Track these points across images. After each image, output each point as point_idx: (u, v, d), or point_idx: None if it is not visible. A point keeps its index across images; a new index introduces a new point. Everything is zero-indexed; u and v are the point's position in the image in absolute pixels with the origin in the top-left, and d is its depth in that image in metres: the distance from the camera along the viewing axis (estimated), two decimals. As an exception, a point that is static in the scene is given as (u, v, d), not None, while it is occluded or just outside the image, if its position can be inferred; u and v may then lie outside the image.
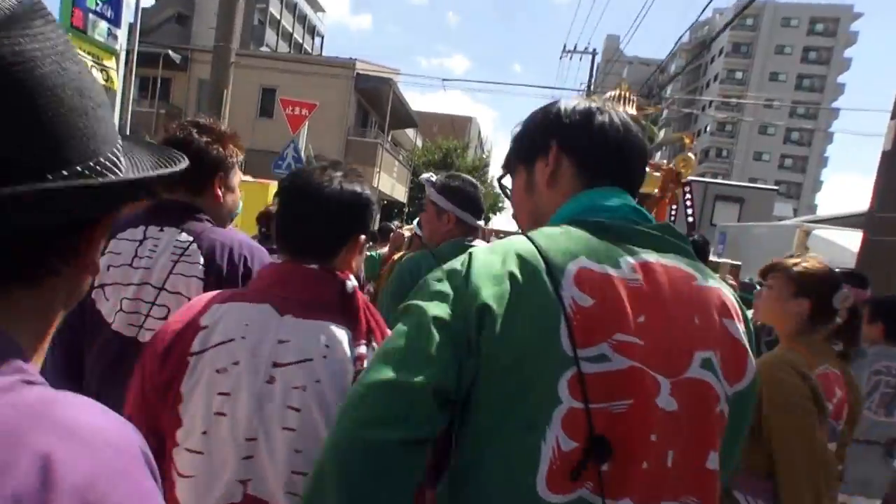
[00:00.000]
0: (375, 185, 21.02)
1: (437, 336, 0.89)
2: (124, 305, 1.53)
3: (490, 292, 0.90)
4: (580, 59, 23.84)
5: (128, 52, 8.41)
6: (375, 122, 24.67)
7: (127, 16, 8.49)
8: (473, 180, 2.35)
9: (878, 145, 5.11)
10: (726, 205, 27.89)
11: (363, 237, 1.30)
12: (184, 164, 0.64)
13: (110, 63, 8.13)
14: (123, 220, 1.62)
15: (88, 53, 7.88)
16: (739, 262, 8.41)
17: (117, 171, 0.55)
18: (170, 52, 20.34)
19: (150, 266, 1.54)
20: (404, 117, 25.51)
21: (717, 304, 0.99)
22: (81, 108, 0.51)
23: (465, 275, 0.93)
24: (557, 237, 0.97)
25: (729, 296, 1.03)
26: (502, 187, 1.29)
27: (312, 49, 51.58)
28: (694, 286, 0.98)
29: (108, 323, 1.54)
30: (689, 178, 7.71)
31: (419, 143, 37.21)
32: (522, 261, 0.93)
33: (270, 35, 42.57)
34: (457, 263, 0.97)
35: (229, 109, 20.30)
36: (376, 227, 23.18)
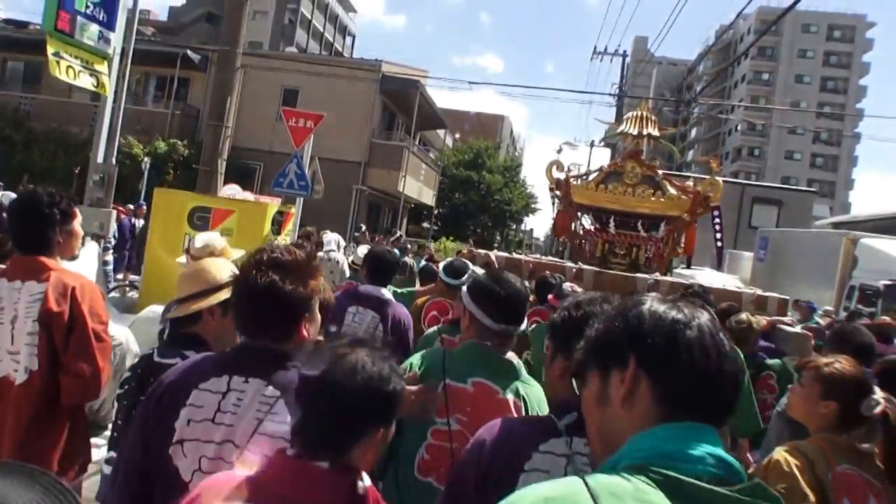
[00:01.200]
0: (401, 190, 19.93)
1: None
2: (203, 465, 1.41)
3: None
4: (611, 60, 22.48)
5: (122, 51, 7.48)
6: (402, 124, 23.58)
7: (123, 14, 7.58)
8: (513, 281, 2.03)
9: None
10: (764, 207, 26.41)
11: (384, 430, 1.27)
12: None
13: (102, 67, 7.21)
14: (207, 367, 1.52)
15: (76, 58, 6.94)
16: (787, 297, 7.22)
17: None
18: (188, 51, 19.51)
19: (233, 423, 1.42)
20: (432, 118, 24.34)
21: None
22: None
23: None
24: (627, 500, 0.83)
25: None
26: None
27: (343, 49, 50.74)
28: None
29: (185, 482, 1.41)
30: (725, 179, 7.07)
31: (449, 142, 36.09)
32: None
33: (301, 35, 41.81)
34: None
35: (249, 110, 19.40)
36: (401, 231, 21.78)
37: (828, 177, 65.01)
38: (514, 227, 36.33)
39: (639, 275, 6.54)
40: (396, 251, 11.71)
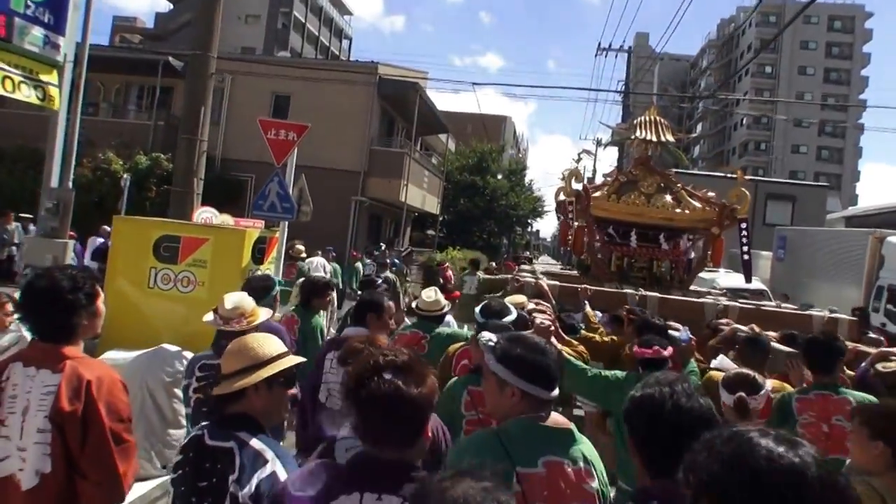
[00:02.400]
0: (403, 199, 18.79)
1: None
2: None
3: None
4: (615, 56, 21.46)
5: (75, 61, 6.44)
6: (402, 130, 22.45)
7: (75, 15, 6.53)
8: (541, 343, 1.97)
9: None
10: (778, 203, 25.72)
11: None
12: None
13: (49, 77, 6.14)
14: (332, 483, 1.49)
15: (15, 66, 5.87)
16: (853, 318, 6.50)
17: None
18: (170, 58, 18.41)
19: None
20: (433, 122, 23.18)
21: None
22: None
23: None
24: None
25: None
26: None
27: (339, 52, 49.65)
28: None
29: None
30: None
31: (451, 146, 35.00)
32: None
33: (295, 39, 40.72)
34: None
35: (238, 119, 18.25)
36: (406, 239, 20.75)
37: (834, 169, 64.40)
38: (521, 230, 35.21)
39: (706, 300, 6.17)
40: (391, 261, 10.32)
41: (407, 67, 20.07)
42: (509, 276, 10.22)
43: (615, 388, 3.20)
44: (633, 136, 7.50)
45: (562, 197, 7.66)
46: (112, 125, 18.27)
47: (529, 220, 32.32)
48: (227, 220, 6.62)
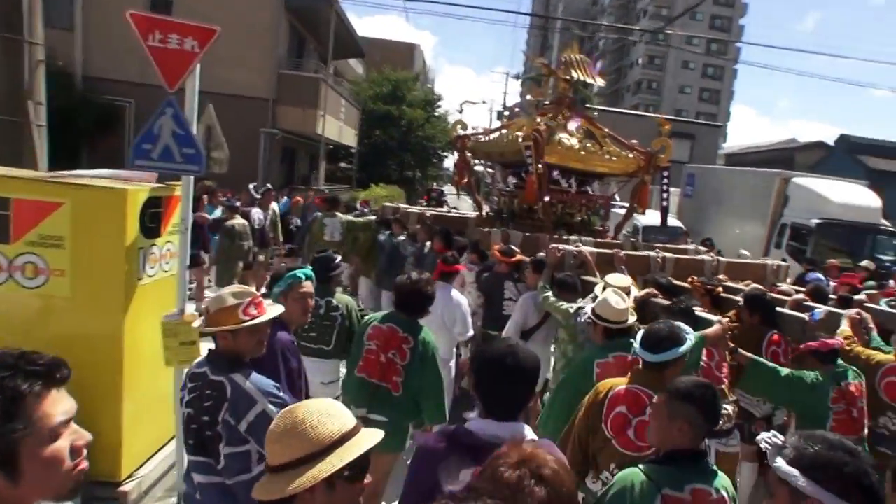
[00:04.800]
0: (320, 132, 16.14)
1: None
2: None
3: None
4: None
5: None
6: (314, 51, 19.34)
7: None
8: (850, 445, 1.43)
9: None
10: (679, 141, 26.57)
11: None
12: None
13: None
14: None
15: None
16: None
17: None
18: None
19: None
20: (350, 45, 20.16)
21: None
22: None
23: None
24: None
25: None
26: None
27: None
28: None
29: None
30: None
31: (361, 72, 31.79)
32: None
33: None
34: None
35: (103, 25, 13.95)
36: (322, 175, 18.04)
37: (712, 109, 67.45)
38: (437, 163, 33.21)
39: (705, 258, 6.15)
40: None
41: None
42: (373, 217, 8.75)
43: (809, 388, 3.29)
44: (562, 76, 7.15)
45: (459, 130, 7.42)
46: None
47: (446, 154, 30.23)
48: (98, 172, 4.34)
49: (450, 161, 33.71)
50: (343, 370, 3.95)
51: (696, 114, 61.42)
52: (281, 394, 2.26)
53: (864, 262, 9.48)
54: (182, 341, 3.45)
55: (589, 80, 7.47)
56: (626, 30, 57.86)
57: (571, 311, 4.11)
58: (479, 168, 9.89)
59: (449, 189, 30.30)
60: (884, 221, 13.16)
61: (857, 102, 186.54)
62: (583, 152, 6.75)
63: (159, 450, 4.09)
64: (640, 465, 1.98)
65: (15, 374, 1.00)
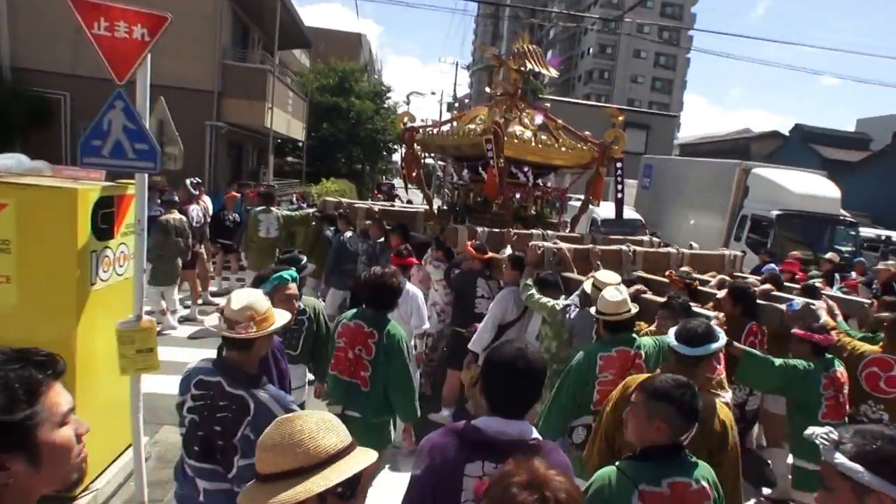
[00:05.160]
0: (268, 125, 15.79)
1: None
2: None
3: None
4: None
5: None
6: (259, 41, 18.88)
7: None
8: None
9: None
10: (634, 132, 27.03)
11: None
12: None
13: None
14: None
15: None
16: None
17: None
18: None
19: None
20: (295, 34, 19.76)
21: None
22: None
23: None
24: None
25: None
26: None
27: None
28: None
29: None
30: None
31: (306, 63, 31.22)
32: None
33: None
34: None
35: (32, 12, 13.50)
36: (271, 169, 17.62)
37: (664, 99, 68.47)
38: (388, 156, 32.95)
39: (671, 250, 6.31)
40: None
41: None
42: (311, 210, 8.71)
43: (803, 376, 3.64)
44: (514, 67, 7.08)
45: (407, 122, 7.29)
46: None
47: (396, 147, 30.03)
48: (38, 168, 4.16)
49: (399, 154, 33.52)
50: (310, 375, 4.05)
51: (649, 103, 62.02)
52: (295, 406, 2.27)
53: (829, 255, 9.63)
54: (139, 349, 3.38)
55: (544, 72, 7.53)
56: (577, 18, 58.78)
57: (558, 307, 4.25)
58: (429, 161, 9.83)
59: (399, 183, 30.24)
60: (843, 212, 13.28)
61: (806, 92, 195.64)
62: (538, 145, 6.78)
63: (115, 460, 3.99)
64: (617, 463, 2.05)
65: (25, 364, 1.08)
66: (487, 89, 8.94)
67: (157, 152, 3.44)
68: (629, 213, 14.53)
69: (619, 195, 7.60)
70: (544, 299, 4.40)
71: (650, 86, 68.73)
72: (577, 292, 4.30)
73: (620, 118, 7.27)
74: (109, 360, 3.45)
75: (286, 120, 18.38)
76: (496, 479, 1.39)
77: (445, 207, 8.10)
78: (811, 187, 13.06)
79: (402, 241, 6.43)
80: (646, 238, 8.01)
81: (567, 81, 73.96)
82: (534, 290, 4.52)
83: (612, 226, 11.12)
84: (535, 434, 1.87)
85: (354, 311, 3.59)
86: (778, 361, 3.68)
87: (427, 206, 8.16)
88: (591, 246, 5.52)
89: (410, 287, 4.85)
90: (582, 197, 7.99)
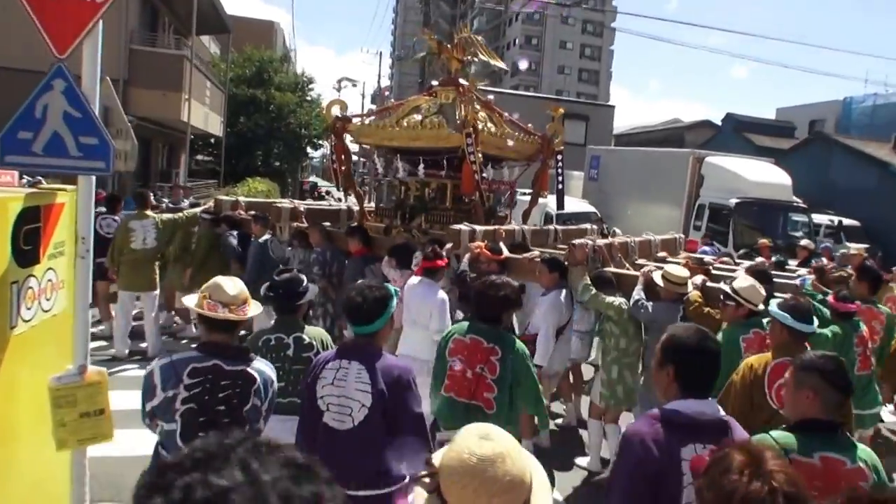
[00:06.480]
0: (185, 119, 14.70)
1: None
2: None
3: None
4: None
5: None
6: (170, 25, 17.63)
7: None
8: None
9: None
10: (573, 123, 27.57)
11: None
12: None
13: None
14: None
15: None
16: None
17: None
18: None
19: None
20: (213, 19, 18.62)
21: None
22: None
23: None
24: None
25: None
26: None
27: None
28: None
29: None
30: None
31: (216, 51, 29.68)
32: None
33: None
34: None
35: None
36: (185, 169, 16.59)
37: (591, 90, 70.71)
38: (313, 153, 31.92)
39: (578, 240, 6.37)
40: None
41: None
42: (198, 209, 7.93)
43: (829, 342, 4.10)
44: (455, 56, 7.12)
45: (336, 111, 7.13)
46: None
47: (322, 142, 29.02)
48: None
49: (319, 151, 32.47)
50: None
51: (577, 94, 64.24)
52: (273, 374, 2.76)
53: (804, 242, 9.94)
54: (83, 412, 2.67)
55: (493, 62, 7.78)
56: (502, 9, 59.82)
57: (625, 306, 4.60)
58: (353, 157, 9.44)
59: (322, 182, 29.39)
60: (795, 198, 14.03)
61: (723, 83, 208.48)
62: (498, 137, 6.78)
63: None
64: (771, 433, 2.19)
65: None
66: (420, 80, 8.90)
67: (109, 148, 2.84)
68: (584, 205, 14.78)
69: (560, 186, 7.98)
70: (609, 298, 4.67)
71: (577, 77, 70.96)
72: (639, 286, 4.65)
73: (560, 111, 7.55)
74: (38, 424, 2.75)
75: (204, 114, 17.26)
76: (711, 468, 1.45)
77: (383, 205, 7.79)
78: (765, 175, 13.73)
79: (364, 247, 6.10)
80: (586, 226, 8.59)
81: (494, 73, 75.17)
82: (593, 290, 4.73)
83: (569, 219, 11.43)
84: (722, 411, 2.08)
85: (466, 323, 3.54)
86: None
87: (357, 205, 7.94)
88: (612, 240, 6.02)
89: (440, 291, 4.79)
90: (528, 191, 8.31)
